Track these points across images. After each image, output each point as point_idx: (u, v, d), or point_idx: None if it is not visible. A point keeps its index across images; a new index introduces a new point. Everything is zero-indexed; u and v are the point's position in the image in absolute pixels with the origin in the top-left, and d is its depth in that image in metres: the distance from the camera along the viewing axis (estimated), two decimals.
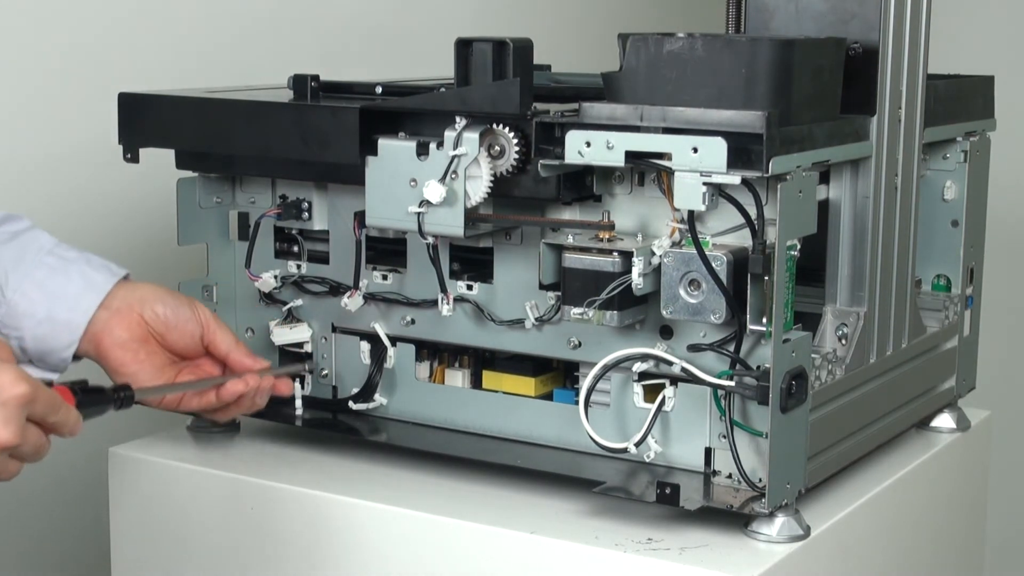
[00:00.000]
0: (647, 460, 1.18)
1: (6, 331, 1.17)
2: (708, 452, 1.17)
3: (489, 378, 1.28)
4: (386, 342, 1.30)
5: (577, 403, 1.19)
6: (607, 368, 1.17)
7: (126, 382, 1.16)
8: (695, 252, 1.11)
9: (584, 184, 1.19)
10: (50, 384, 1.01)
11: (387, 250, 1.31)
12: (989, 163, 1.46)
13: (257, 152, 1.29)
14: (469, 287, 1.27)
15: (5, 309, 1.17)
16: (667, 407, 1.18)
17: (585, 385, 1.18)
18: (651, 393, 1.19)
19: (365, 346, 1.32)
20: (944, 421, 1.45)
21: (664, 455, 1.19)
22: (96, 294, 1.19)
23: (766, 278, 1.09)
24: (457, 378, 1.29)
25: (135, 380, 1.19)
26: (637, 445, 1.16)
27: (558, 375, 1.27)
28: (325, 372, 1.34)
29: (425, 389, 1.30)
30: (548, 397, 1.26)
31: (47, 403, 0.99)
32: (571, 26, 2.35)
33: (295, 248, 1.35)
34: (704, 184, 1.09)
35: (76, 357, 1.20)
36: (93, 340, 1.19)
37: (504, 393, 1.27)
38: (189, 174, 1.36)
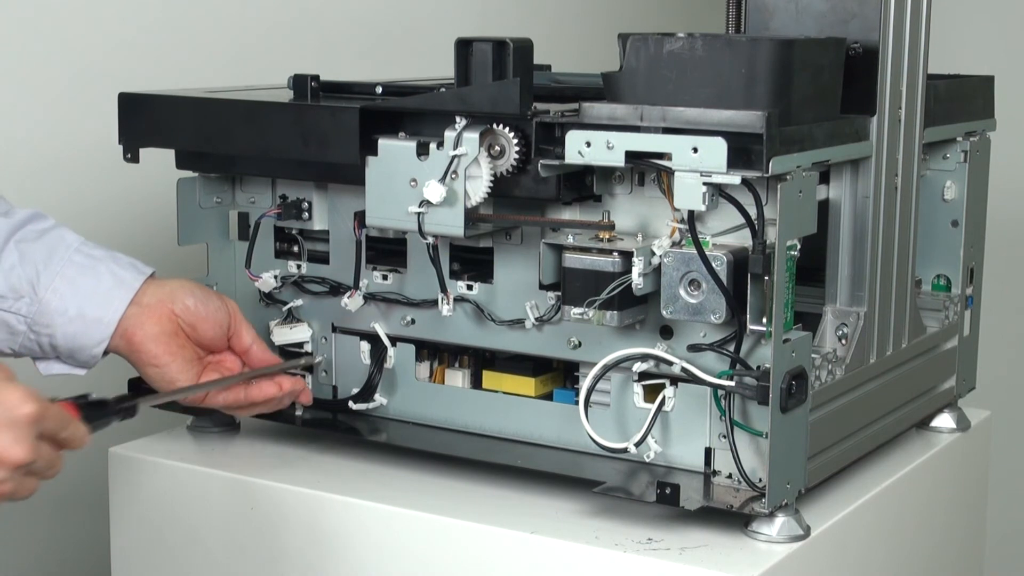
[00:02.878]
0: (647, 460, 1.18)
1: (37, 328, 1.19)
2: (708, 452, 1.17)
3: (489, 378, 1.28)
4: (386, 342, 1.30)
5: (577, 403, 1.19)
6: (607, 368, 1.17)
7: (157, 374, 1.20)
8: (695, 252, 1.11)
9: (584, 184, 1.19)
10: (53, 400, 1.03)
11: (387, 250, 1.31)
12: (989, 163, 1.46)
13: (257, 152, 1.29)
14: (469, 287, 1.26)
15: (37, 307, 1.19)
16: (667, 407, 1.18)
17: (585, 385, 1.18)
18: (651, 393, 1.19)
19: (365, 346, 1.32)
20: (944, 421, 1.45)
21: (664, 455, 1.19)
22: (126, 291, 1.20)
23: (766, 278, 1.09)
24: (457, 378, 1.29)
25: (166, 373, 1.21)
26: (637, 445, 1.16)
27: (558, 375, 1.27)
28: (319, 359, 1.34)
29: (425, 389, 1.30)
30: (548, 397, 1.26)
31: (56, 420, 1.01)
32: (571, 26, 2.35)
33: (295, 248, 1.35)
34: (704, 184, 1.09)
35: (104, 353, 1.21)
36: (124, 336, 1.20)
37: (504, 393, 1.27)
38: (189, 174, 1.36)
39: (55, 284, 1.19)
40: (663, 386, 1.18)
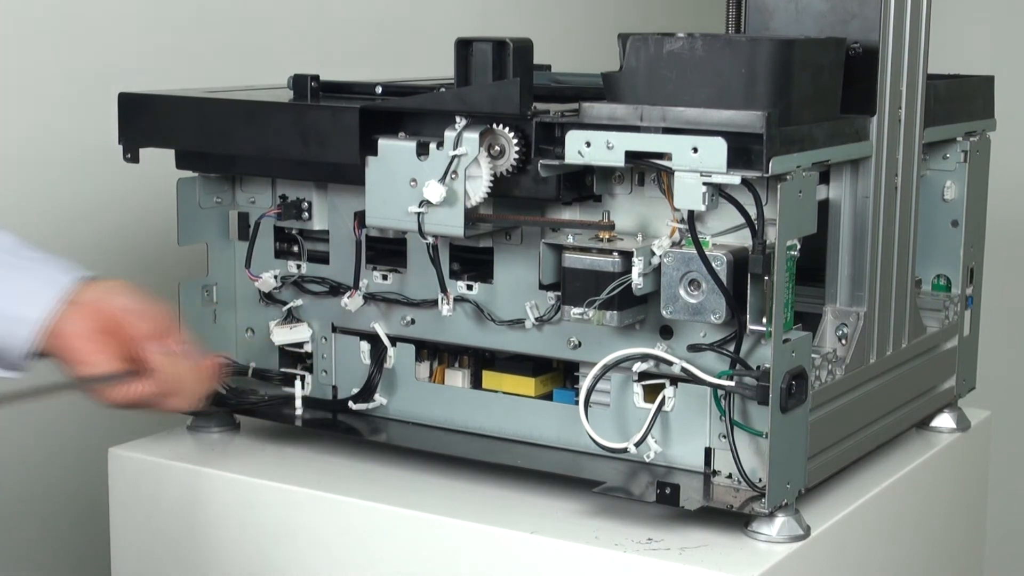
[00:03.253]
0: (647, 460, 1.18)
1: None
2: (708, 452, 1.17)
3: (489, 378, 1.28)
4: (386, 342, 1.30)
5: (577, 403, 1.19)
6: (607, 368, 1.17)
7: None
8: (695, 252, 1.10)
9: (584, 184, 1.19)
10: None
11: (387, 250, 1.31)
12: (989, 163, 1.46)
13: (257, 152, 1.29)
14: (469, 287, 1.26)
15: None
16: (667, 407, 1.18)
17: (585, 385, 1.17)
18: (651, 393, 1.19)
19: (365, 346, 1.32)
20: (944, 421, 1.45)
21: (664, 455, 1.19)
22: (55, 290, 1.14)
23: (766, 278, 1.09)
24: (457, 378, 1.29)
25: (95, 371, 1.13)
26: (637, 445, 1.16)
27: (558, 375, 1.27)
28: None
29: (425, 389, 1.30)
30: (548, 397, 1.26)
31: None
32: (571, 26, 2.35)
33: (295, 248, 1.35)
34: (704, 184, 1.09)
35: (41, 356, 1.15)
36: (54, 334, 1.13)
37: (504, 393, 1.27)
38: (189, 174, 1.36)
39: None
40: (663, 386, 1.18)
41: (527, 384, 1.26)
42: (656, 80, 1.13)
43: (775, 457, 1.11)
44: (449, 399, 1.29)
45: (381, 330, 1.30)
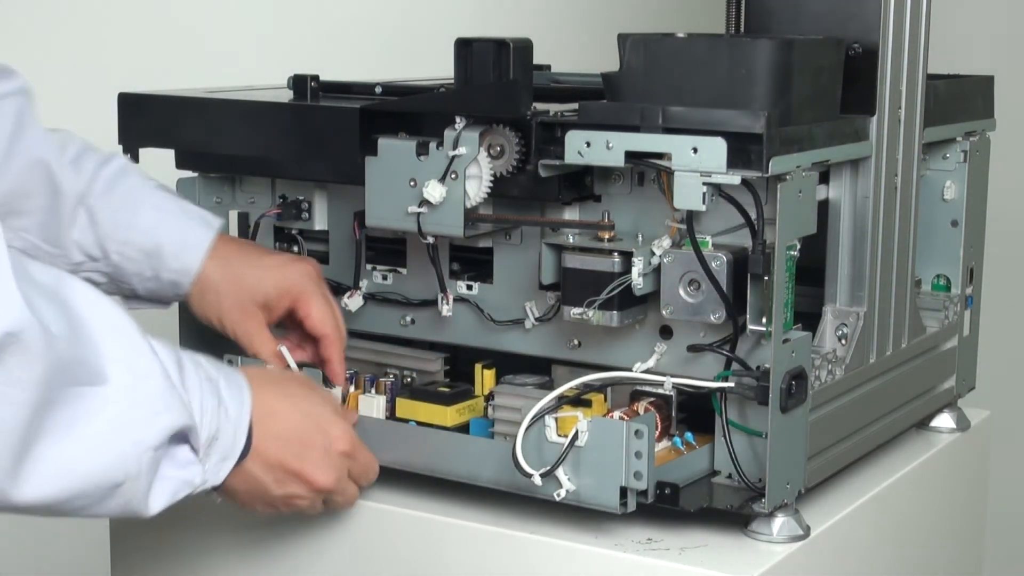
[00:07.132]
0: (557, 499, 1.12)
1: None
2: (624, 491, 1.11)
3: (403, 407, 1.23)
4: (293, 366, 1.23)
5: (492, 435, 1.17)
6: (544, 410, 1.12)
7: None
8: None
9: (584, 184, 1.19)
10: None
11: (387, 250, 1.31)
12: (989, 163, 1.46)
13: (257, 152, 1.29)
14: (469, 287, 1.26)
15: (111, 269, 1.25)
16: (580, 442, 1.11)
17: (526, 421, 1.12)
18: (565, 426, 1.13)
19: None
20: (944, 421, 1.46)
21: (576, 494, 1.12)
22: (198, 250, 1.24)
23: (766, 278, 1.09)
24: (372, 406, 1.24)
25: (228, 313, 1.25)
26: (544, 476, 1.11)
27: (478, 402, 1.23)
28: None
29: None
30: (464, 428, 1.21)
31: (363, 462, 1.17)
32: (571, 26, 2.35)
33: (295, 248, 1.35)
34: (704, 184, 1.09)
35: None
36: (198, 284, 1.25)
37: (417, 423, 1.22)
38: (189, 174, 1.36)
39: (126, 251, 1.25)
40: (576, 419, 1.12)
41: (442, 413, 1.21)
42: (656, 80, 1.13)
43: (775, 457, 1.10)
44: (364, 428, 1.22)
45: (287, 354, 1.24)
